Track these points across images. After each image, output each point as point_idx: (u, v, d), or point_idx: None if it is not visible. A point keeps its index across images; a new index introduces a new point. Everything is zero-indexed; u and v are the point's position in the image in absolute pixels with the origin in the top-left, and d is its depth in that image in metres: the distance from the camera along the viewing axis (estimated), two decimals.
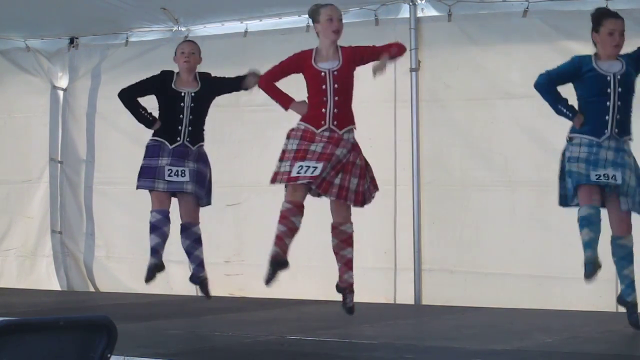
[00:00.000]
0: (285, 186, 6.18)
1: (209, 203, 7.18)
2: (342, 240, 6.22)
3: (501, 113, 7.85)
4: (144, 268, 9.33)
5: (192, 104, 7.05)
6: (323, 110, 6.12)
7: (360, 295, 7.69)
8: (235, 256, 8.72)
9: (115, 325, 3.05)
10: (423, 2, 8.15)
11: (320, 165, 5.98)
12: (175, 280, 9.12)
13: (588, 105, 5.94)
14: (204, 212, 8.87)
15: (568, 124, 7.60)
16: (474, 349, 5.39)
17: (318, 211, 7.52)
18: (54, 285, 9.71)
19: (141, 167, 7.15)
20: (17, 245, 9.97)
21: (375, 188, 6.28)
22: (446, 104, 8.06)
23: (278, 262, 6.11)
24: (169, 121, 7.07)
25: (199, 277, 7.16)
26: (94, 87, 9.64)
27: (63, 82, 9.84)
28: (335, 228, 6.25)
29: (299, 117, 8.54)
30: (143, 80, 7.26)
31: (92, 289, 9.59)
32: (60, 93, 9.83)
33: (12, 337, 2.83)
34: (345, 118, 6.14)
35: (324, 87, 6.14)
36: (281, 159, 6.21)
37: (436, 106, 8.12)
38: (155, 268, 7.13)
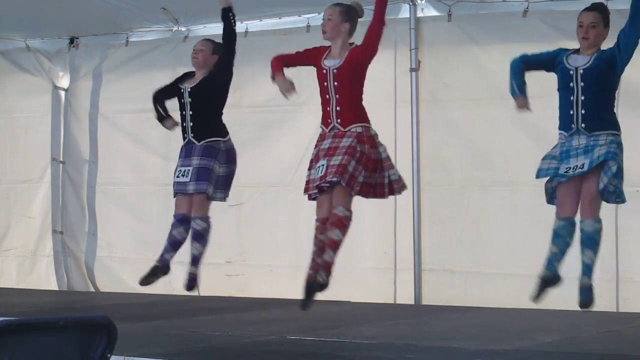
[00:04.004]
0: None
1: (219, 198, 7.08)
2: (331, 222, 5.97)
3: (501, 113, 7.85)
4: (146, 268, 9.35)
5: (190, 99, 7.06)
6: (327, 108, 6.13)
7: (360, 295, 7.71)
8: (237, 256, 8.72)
9: (115, 325, 3.05)
10: (423, 2, 8.15)
11: (324, 162, 5.97)
12: (176, 280, 9.13)
13: (560, 99, 5.94)
14: None
15: None
16: (474, 349, 5.40)
17: None
18: (54, 285, 9.71)
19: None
20: (17, 245, 9.97)
21: (399, 188, 6.13)
22: (446, 104, 8.06)
23: (311, 285, 5.99)
24: (180, 119, 7.15)
25: (188, 274, 7.08)
26: (96, 87, 9.65)
27: (64, 82, 9.84)
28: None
29: (302, 117, 8.59)
30: (169, 83, 7.32)
31: (92, 289, 9.59)
32: (62, 93, 9.84)
33: (12, 337, 2.83)
34: (349, 116, 6.11)
35: (325, 84, 6.15)
36: (310, 168, 6.17)
37: (436, 106, 8.13)
38: (155, 269, 7.06)
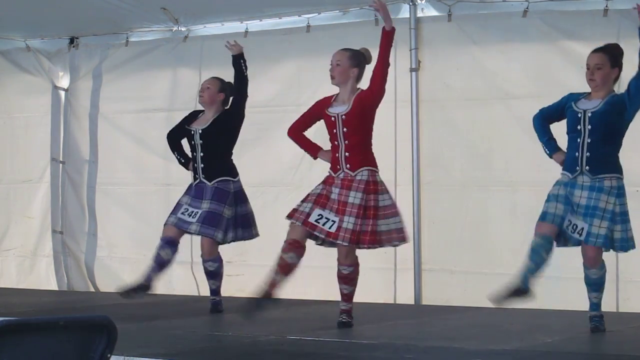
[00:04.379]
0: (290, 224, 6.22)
1: (229, 240, 7.26)
2: (341, 277, 6.33)
3: (501, 113, 7.85)
4: (146, 268, 9.36)
5: (201, 141, 7.18)
6: (337, 154, 6.18)
7: (360, 295, 7.69)
8: (238, 257, 8.72)
9: (115, 325, 3.05)
10: (423, 2, 8.15)
11: (337, 220, 6.04)
12: (177, 280, 9.13)
13: (568, 143, 6.00)
14: None
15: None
16: (474, 349, 5.40)
17: None
18: (54, 285, 9.71)
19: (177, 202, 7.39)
20: (17, 245, 9.97)
21: (400, 239, 6.29)
22: (446, 104, 8.06)
23: (261, 299, 6.22)
24: (192, 159, 7.33)
25: (211, 300, 7.38)
26: (96, 87, 9.65)
27: (64, 82, 9.84)
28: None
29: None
30: (179, 123, 7.47)
31: (92, 289, 9.59)
32: (62, 93, 9.84)
33: (12, 337, 2.83)
34: (358, 160, 6.14)
35: (335, 131, 6.19)
36: (304, 200, 6.24)
37: (436, 106, 8.12)
38: (137, 287, 7.18)
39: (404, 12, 8.17)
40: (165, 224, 7.27)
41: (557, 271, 7.55)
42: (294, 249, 6.18)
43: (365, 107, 6.17)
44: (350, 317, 6.28)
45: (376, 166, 6.23)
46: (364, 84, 6.34)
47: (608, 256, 7.33)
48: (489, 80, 7.89)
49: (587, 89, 6.00)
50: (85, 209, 9.68)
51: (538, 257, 5.87)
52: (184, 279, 9.02)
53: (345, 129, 6.14)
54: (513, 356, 5.16)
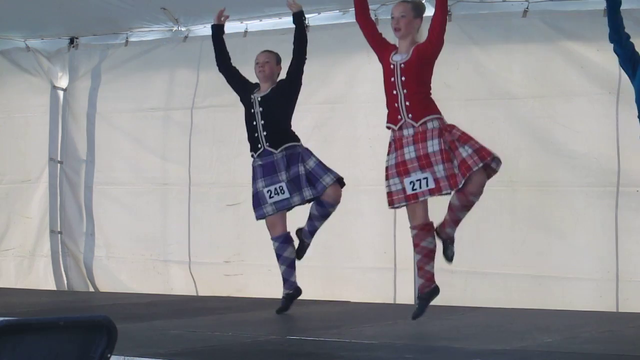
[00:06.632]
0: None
1: (330, 181, 6.92)
2: (465, 205, 6.21)
3: (501, 113, 7.85)
4: (143, 268, 9.36)
5: (261, 109, 7.03)
6: (395, 104, 6.14)
7: (360, 295, 7.70)
8: (236, 256, 8.72)
9: (115, 325, 3.05)
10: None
11: (429, 175, 6.01)
12: (175, 280, 9.13)
13: None
14: (203, 212, 8.90)
15: (569, 123, 7.63)
16: (474, 349, 5.39)
17: None
18: (52, 285, 9.71)
19: (253, 195, 7.11)
20: (16, 245, 9.96)
21: (481, 159, 6.08)
22: (446, 104, 8.03)
23: (433, 291, 6.23)
24: (249, 131, 7.10)
25: (302, 238, 7.08)
26: (94, 87, 9.65)
27: (63, 82, 9.84)
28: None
29: (301, 117, 8.57)
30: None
31: (91, 289, 9.59)
32: (61, 93, 9.84)
33: (12, 337, 2.83)
34: (419, 109, 6.12)
35: (392, 79, 6.16)
36: (387, 177, 6.18)
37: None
38: (289, 297, 7.07)
39: None
40: (263, 218, 7.01)
41: (557, 271, 7.57)
42: (428, 233, 6.15)
43: (425, 57, 6.16)
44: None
45: (440, 112, 6.17)
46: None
47: (608, 256, 7.35)
48: (489, 80, 7.89)
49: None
50: (82, 209, 9.67)
51: None
52: (183, 279, 9.02)
53: (403, 78, 6.12)
54: (513, 356, 5.16)
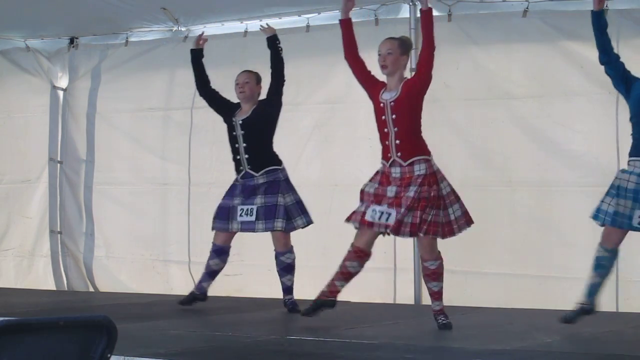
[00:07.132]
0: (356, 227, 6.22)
1: (301, 225, 7.12)
2: (427, 275, 6.22)
3: (501, 113, 7.85)
4: (143, 268, 9.36)
5: (243, 131, 7.11)
6: (387, 142, 6.17)
7: (360, 295, 7.69)
8: (235, 256, 8.71)
9: (115, 325, 3.05)
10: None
11: (393, 212, 6.01)
12: (175, 280, 9.13)
13: (633, 128, 5.89)
14: (203, 212, 8.88)
15: (568, 123, 7.63)
16: (474, 349, 5.39)
17: (318, 212, 7.54)
18: (52, 285, 9.71)
19: (217, 207, 7.27)
20: (15, 245, 9.96)
21: (467, 224, 6.20)
22: (446, 104, 8.05)
23: (323, 302, 6.27)
24: (233, 153, 7.21)
25: (285, 301, 7.21)
26: (94, 87, 9.65)
27: (63, 82, 9.84)
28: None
29: (300, 117, 8.56)
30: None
31: (91, 289, 9.59)
32: (60, 93, 9.84)
33: (12, 337, 2.83)
34: (409, 149, 6.13)
35: (383, 117, 6.18)
36: (360, 199, 6.23)
37: (436, 106, 8.10)
38: (191, 295, 7.35)
39: (404, 12, 8.17)
40: (224, 232, 7.21)
41: (557, 271, 7.57)
42: (357, 257, 6.21)
43: (414, 93, 6.16)
44: (447, 316, 6.21)
45: (429, 153, 6.20)
46: None
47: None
48: (489, 80, 7.89)
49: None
50: (82, 209, 9.67)
51: (605, 272, 5.88)
52: (182, 279, 9.02)
53: (394, 116, 6.13)
54: (513, 356, 5.16)
